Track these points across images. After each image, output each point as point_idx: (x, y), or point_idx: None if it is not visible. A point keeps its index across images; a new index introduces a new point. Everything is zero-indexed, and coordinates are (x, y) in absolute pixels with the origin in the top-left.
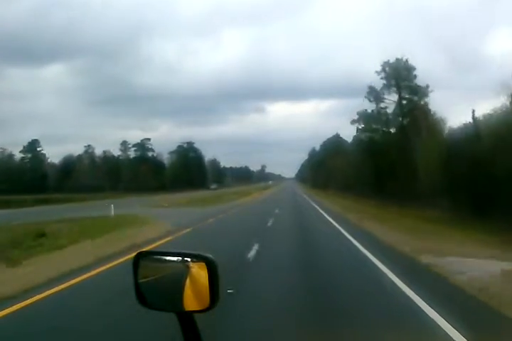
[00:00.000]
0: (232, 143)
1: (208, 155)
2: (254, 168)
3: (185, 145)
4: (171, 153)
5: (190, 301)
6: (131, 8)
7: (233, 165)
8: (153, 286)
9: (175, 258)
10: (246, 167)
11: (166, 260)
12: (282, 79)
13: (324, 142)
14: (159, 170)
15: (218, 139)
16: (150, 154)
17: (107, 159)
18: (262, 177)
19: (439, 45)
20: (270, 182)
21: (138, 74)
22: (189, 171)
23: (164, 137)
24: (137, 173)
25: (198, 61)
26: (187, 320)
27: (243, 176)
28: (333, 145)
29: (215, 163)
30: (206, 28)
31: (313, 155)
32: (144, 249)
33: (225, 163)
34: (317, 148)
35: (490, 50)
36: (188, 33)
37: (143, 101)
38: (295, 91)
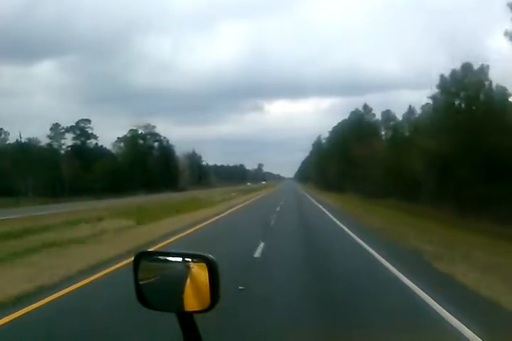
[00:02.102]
0: (230, 143)
1: (205, 155)
2: (253, 167)
3: (141, 131)
4: (119, 140)
5: (191, 301)
6: (126, 3)
7: (230, 164)
8: (153, 286)
9: (175, 259)
10: (241, 165)
11: (166, 260)
12: (281, 76)
13: (339, 123)
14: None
15: (216, 138)
16: (94, 142)
17: (28, 149)
18: (259, 176)
19: None
20: (264, 182)
21: (131, 72)
22: (147, 167)
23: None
24: (60, 170)
25: (194, 58)
26: (187, 320)
27: (237, 175)
28: (359, 125)
29: (195, 158)
30: (203, 24)
31: (318, 146)
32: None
33: (223, 161)
34: (324, 135)
35: None
36: (184, 29)
37: (136, 99)
38: (294, 88)
